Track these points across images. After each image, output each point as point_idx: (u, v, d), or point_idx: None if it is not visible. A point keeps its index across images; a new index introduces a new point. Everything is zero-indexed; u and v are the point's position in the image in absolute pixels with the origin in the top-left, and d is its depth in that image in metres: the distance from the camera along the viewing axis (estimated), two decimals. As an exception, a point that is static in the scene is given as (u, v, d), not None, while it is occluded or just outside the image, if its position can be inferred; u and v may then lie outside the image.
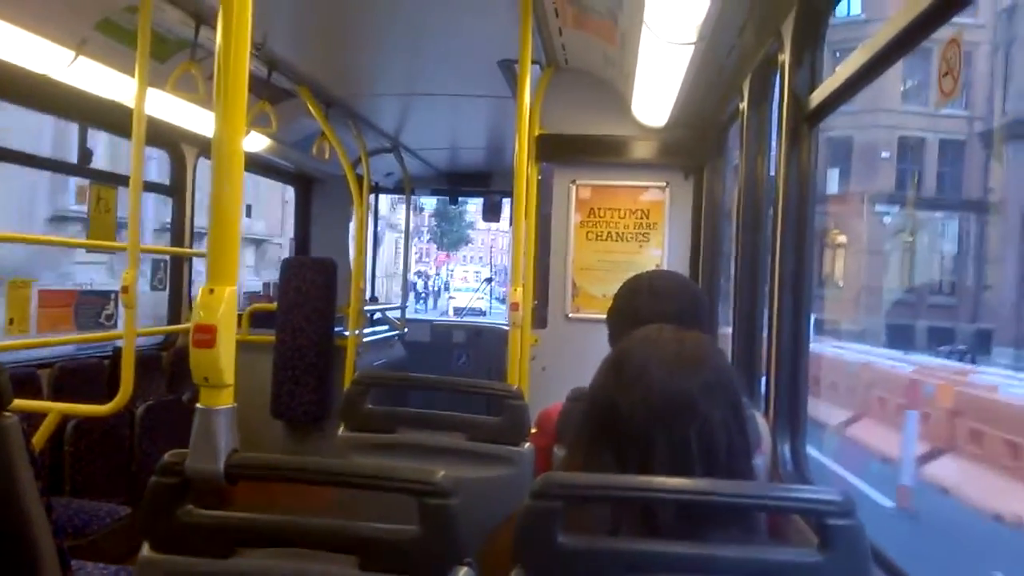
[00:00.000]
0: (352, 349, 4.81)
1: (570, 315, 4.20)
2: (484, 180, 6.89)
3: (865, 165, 24.97)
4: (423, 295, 31.92)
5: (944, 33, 1.46)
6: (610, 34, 3.29)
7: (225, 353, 1.29)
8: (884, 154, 25.01)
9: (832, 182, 25.05)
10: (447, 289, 34.17)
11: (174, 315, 4.81)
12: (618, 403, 1.15)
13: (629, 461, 1.13)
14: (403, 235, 8.22)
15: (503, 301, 17.48)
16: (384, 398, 2.12)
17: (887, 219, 24.94)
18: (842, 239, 25.33)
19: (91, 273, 14.10)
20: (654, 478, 1.10)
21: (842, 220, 25.11)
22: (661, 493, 1.08)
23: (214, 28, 1.34)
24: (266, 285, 6.40)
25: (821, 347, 14.31)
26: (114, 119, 3.65)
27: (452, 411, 2.04)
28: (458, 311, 19.72)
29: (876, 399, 10.76)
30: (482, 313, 16.99)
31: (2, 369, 1.65)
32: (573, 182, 4.20)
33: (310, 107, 4.25)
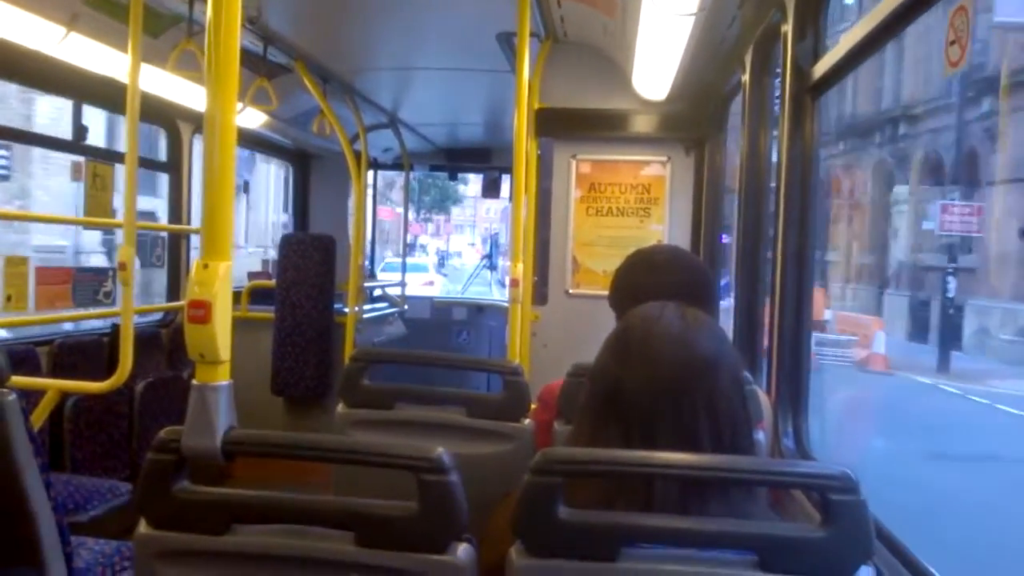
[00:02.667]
0: (352, 326, 4.80)
1: (570, 291, 4.18)
2: (483, 155, 6.83)
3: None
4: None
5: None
6: (609, 5, 3.24)
7: (220, 329, 1.27)
8: None
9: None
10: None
11: (173, 292, 4.80)
12: (623, 381, 1.16)
13: (634, 436, 1.13)
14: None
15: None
16: (384, 375, 2.11)
17: None
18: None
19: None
20: (655, 453, 1.10)
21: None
22: (662, 468, 1.07)
23: (206, 1, 1.31)
24: (265, 263, 6.39)
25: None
26: (109, 96, 3.61)
27: (452, 388, 2.03)
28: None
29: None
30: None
31: None
32: (573, 157, 4.16)
33: (307, 83, 4.20)
